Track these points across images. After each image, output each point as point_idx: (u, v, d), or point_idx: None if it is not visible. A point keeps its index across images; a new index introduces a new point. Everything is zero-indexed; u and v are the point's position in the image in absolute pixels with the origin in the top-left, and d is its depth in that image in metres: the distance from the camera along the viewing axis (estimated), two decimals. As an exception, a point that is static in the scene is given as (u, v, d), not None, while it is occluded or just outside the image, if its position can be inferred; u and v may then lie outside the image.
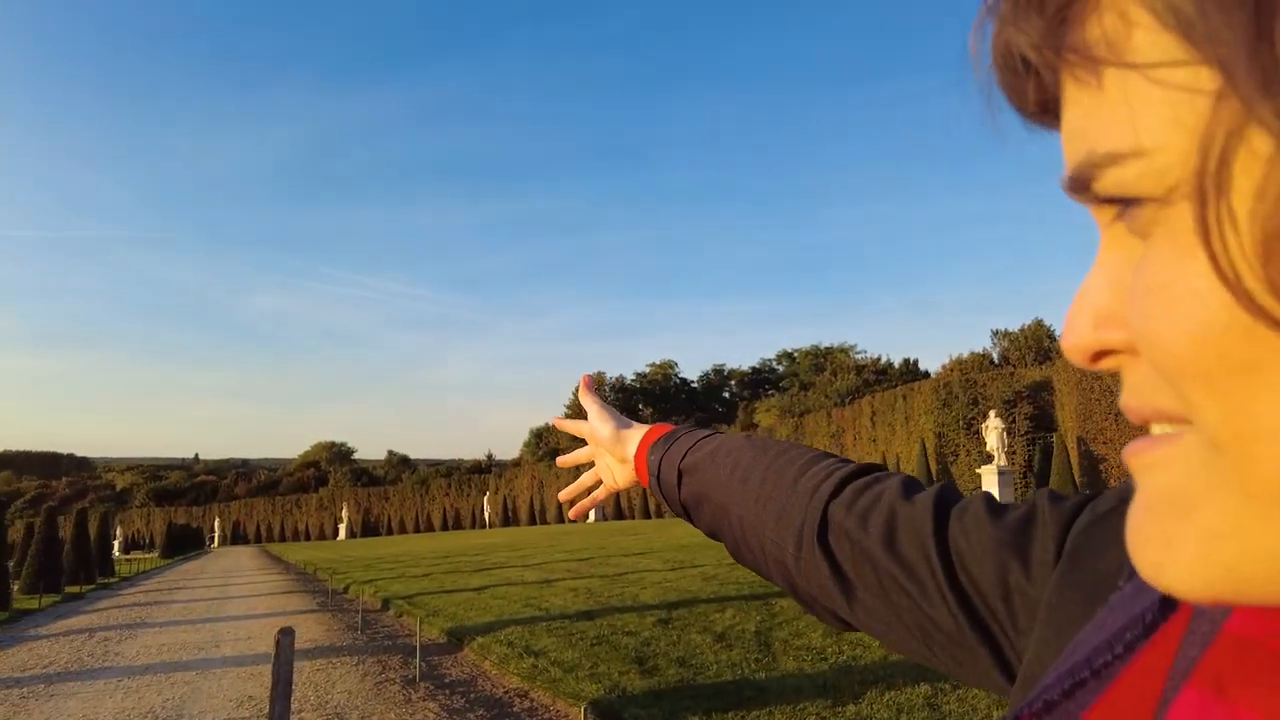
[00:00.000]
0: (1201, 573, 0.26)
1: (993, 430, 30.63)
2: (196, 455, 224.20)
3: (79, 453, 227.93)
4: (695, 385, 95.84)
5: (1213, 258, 0.23)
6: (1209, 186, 0.23)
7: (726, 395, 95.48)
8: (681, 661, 8.18)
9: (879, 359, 68.23)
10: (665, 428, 1.00)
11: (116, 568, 42.59)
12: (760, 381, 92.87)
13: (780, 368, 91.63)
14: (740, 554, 0.83)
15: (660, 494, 0.94)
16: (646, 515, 61.93)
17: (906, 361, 65.28)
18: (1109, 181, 0.26)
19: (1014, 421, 35.94)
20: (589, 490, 1.14)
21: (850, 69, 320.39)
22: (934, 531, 0.61)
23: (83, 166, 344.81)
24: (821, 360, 79.08)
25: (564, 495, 1.19)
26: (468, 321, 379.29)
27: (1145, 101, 0.24)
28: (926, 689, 6.55)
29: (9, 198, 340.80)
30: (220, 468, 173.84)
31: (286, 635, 6.30)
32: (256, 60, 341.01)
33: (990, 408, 34.63)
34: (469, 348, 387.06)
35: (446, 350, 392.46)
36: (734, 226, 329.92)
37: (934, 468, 36.86)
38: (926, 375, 57.45)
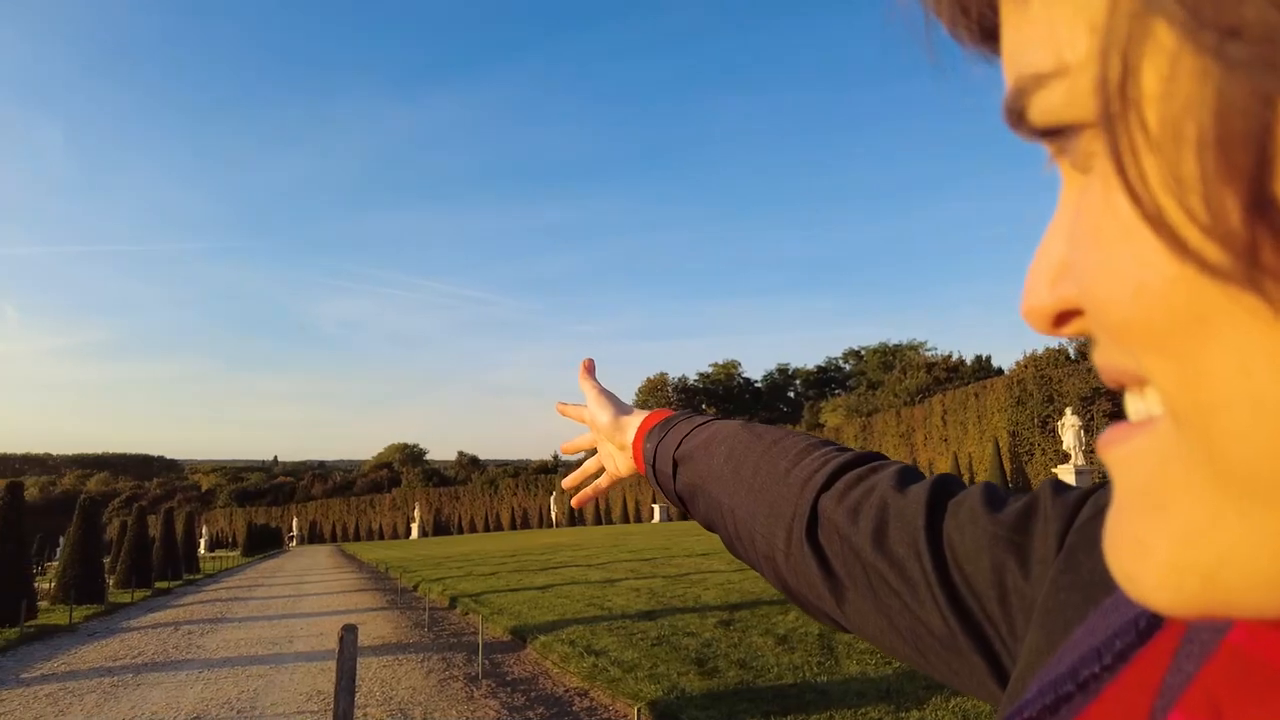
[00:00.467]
0: (1176, 582, 0.22)
1: (1069, 428, 29.56)
2: (275, 458, 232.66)
3: (168, 455, 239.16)
4: (759, 385, 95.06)
5: (1128, 188, 0.19)
6: (1114, 96, 0.19)
7: (791, 395, 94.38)
8: (742, 663, 8.08)
9: (950, 356, 66.48)
10: (664, 413, 0.94)
11: (201, 565, 44.48)
12: (826, 381, 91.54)
13: (847, 366, 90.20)
14: (734, 548, 0.77)
15: (656, 484, 0.89)
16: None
17: (979, 358, 63.37)
18: (1038, 109, 0.23)
19: (1092, 419, 34.55)
20: (593, 478, 1.10)
21: (915, 58, 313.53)
22: (926, 526, 0.55)
23: (166, 183, 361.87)
24: (890, 358, 77.53)
25: (567, 483, 1.14)
26: (531, 323, 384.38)
27: (1061, 6, 0.21)
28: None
29: (102, 216, 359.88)
30: (298, 469, 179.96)
31: (350, 632, 6.45)
32: (321, 73, 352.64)
33: (1066, 405, 33.42)
34: (533, 349, 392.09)
35: (511, 352, 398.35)
36: (797, 223, 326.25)
37: (1008, 467, 35.75)
38: (1000, 372, 55.73)
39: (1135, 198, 0.19)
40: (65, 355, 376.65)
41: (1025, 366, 46.68)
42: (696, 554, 22.50)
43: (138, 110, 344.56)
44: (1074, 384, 36.35)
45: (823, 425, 64.04)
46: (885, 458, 0.72)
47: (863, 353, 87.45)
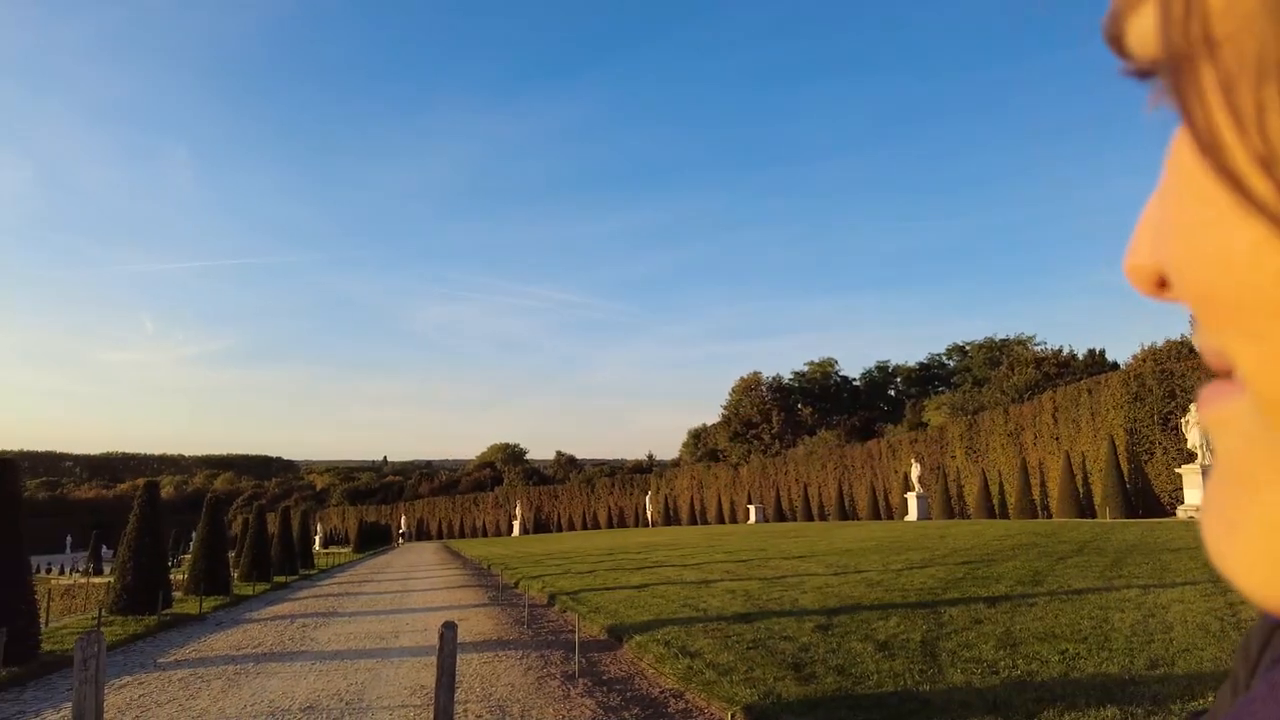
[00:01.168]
0: (1266, 570, 0.20)
1: (1194, 425, 27.59)
2: (385, 458, 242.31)
3: (286, 456, 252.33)
4: (857, 383, 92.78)
5: (1191, 125, 0.17)
6: (1175, 22, 0.16)
7: (892, 393, 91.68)
8: (840, 670, 7.88)
9: (1060, 350, 63.18)
10: None
11: (316, 561, 46.77)
12: (929, 378, 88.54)
13: (951, 362, 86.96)
14: None
15: None
16: (809, 517, 60.58)
17: (1092, 352, 59.99)
18: (1134, 36, 0.20)
19: (1223, 416, 32.11)
20: None
21: (1012, 41, 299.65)
22: None
23: (280, 199, 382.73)
24: (997, 353, 74.37)
25: None
26: (623, 325, 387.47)
27: None
28: (1114, 711, 5.94)
29: (225, 232, 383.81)
30: (406, 469, 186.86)
31: (450, 629, 6.63)
32: (417, 88, 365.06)
33: (1191, 400, 31.22)
34: (626, 351, 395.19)
35: (605, 353, 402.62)
36: (893, 214, 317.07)
37: (1125, 467, 33.71)
38: (1115, 366, 52.63)
39: (1198, 139, 0.16)
40: (195, 362, 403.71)
41: (1143, 360, 43.88)
42: (793, 556, 22.13)
43: (253, 131, 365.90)
44: (1199, 378, 33.91)
45: (925, 424, 62.03)
46: None
47: (967, 348, 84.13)
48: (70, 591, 40.85)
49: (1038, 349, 69.08)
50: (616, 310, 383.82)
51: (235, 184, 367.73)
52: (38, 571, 37.22)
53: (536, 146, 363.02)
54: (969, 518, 42.73)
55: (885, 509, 52.88)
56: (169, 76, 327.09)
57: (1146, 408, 34.74)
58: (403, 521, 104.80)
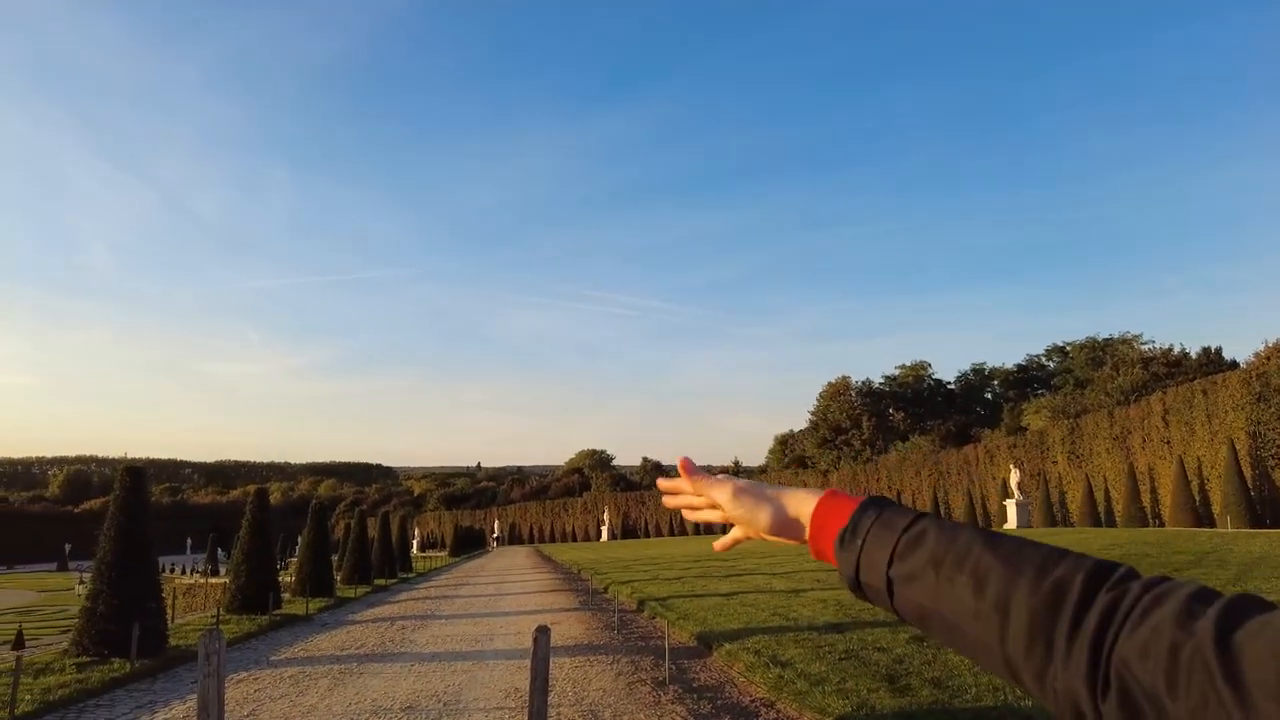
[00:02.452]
0: None
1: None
2: (479, 464, 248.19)
3: (385, 463, 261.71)
4: (952, 386, 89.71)
5: None
6: None
7: (988, 397, 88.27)
8: (936, 682, 7.69)
9: (1170, 349, 59.62)
10: (836, 505, 0.88)
11: (414, 564, 48.32)
12: (1028, 380, 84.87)
13: (1051, 364, 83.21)
14: (966, 654, 0.75)
15: (860, 594, 0.85)
16: (903, 524, 59.03)
17: (1206, 351, 56.34)
18: None
19: (1360, 417, 29.80)
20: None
21: (1112, 27, 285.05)
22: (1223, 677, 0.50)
23: (374, 216, 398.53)
24: (1100, 353, 70.78)
25: (718, 546, 1.15)
26: (708, 329, 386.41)
27: None
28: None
29: (323, 249, 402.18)
30: (498, 474, 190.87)
31: (543, 634, 6.78)
32: (502, 103, 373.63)
33: (1325, 402, 29.01)
34: (710, 355, 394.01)
35: (689, 358, 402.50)
36: (987, 210, 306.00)
37: (1249, 473, 31.57)
38: (1234, 365, 49.32)
39: None
40: (298, 373, 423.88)
41: (1267, 358, 41.01)
42: (886, 564, 21.62)
43: (347, 152, 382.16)
44: (1333, 377, 31.52)
45: (1025, 428, 59.48)
46: (1120, 566, 0.66)
47: (1068, 348, 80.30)
48: (191, 591, 43.47)
49: (1145, 348, 65.48)
50: (700, 314, 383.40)
51: (331, 203, 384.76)
52: (163, 571, 39.76)
53: (616, 154, 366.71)
54: (1073, 526, 40.79)
55: (983, 516, 51.03)
56: (270, 104, 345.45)
57: (1272, 409, 32.48)
58: (496, 526, 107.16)
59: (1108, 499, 40.17)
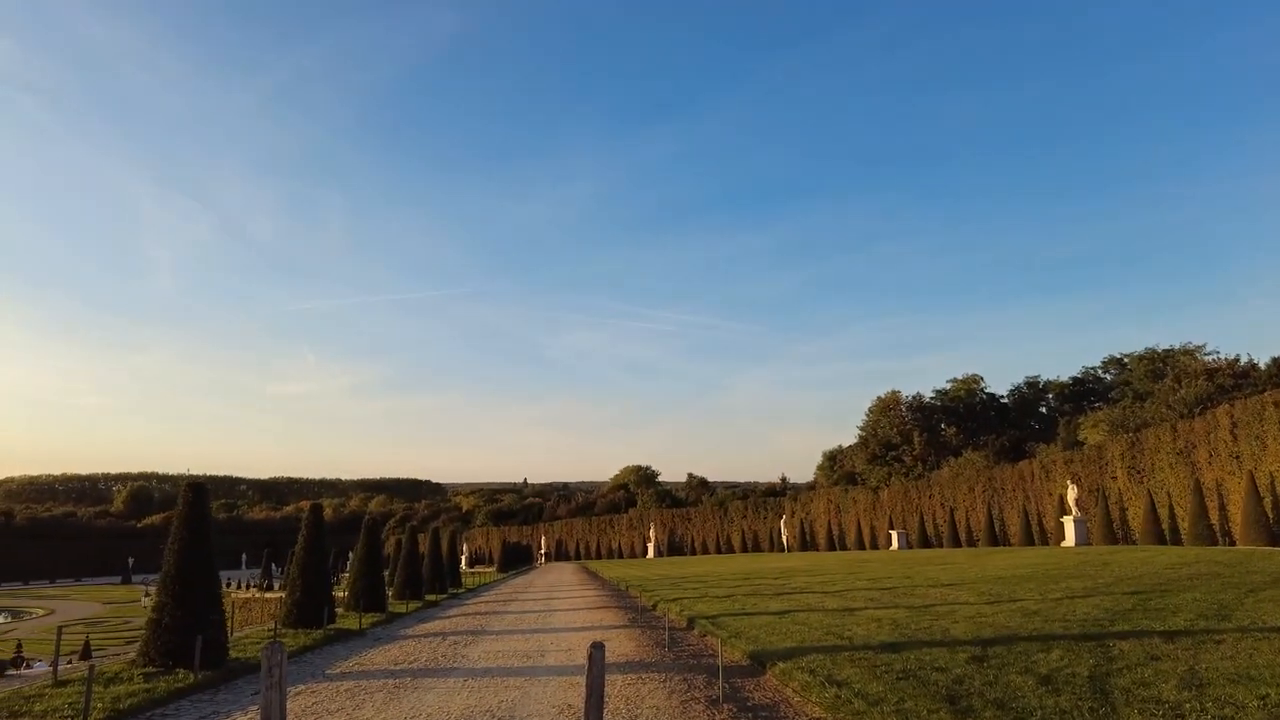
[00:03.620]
0: None
1: None
2: (525, 480, 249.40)
3: (434, 479, 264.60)
4: (1005, 400, 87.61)
5: None
6: None
7: (1043, 410, 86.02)
8: (999, 704, 7.48)
9: (1237, 360, 57.52)
10: None
11: (463, 580, 48.74)
12: (1084, 393, 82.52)
13: (1108, 376, 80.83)
14: None
15: None
16: (956, 543, 57.68)
17: (1277, 361, 54.25)
18: None
19: None
20: None
21: (1171, 29, 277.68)
22: None
23: (425, 236, 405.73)
24: (1160, 365, 68.58)
25: None
26: (753, 346, 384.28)
27: None
28: (1324, 763, 5.35)
29: (377, 269, 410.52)
30: (545, 491, 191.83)
31: (598, 650, 6.77)
32: (548, 123, 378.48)
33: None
34: (756, 372, 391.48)
35: (735, 374, 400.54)
36: (1039, 220, 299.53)
37: (1326, 490, 30.21)
38: (1308, 377, 47.37)
39: None
40: (351, 392, 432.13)
41: (1343, 369, 39.30)
42: (941, 584, 21.18)
43: (398, 174, 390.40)
44: None
45: (1082, 442, 57.79)
46: None
47: (1126, 360, 77.91)
48: (247, 605, 44.40)
49: (1208, 359, 63.23)
50: (746, 331, 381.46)
51: (384, 225, 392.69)
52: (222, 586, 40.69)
53: (664, 170, 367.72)
54: (1134, 543, 39.43)
55: (1039, 534, 49.66)
56: (323, 129, 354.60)
57: (1346, 422, 31.08)
58: (543, 542, 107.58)
59: (1172, 516, 38.79)
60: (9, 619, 50.31)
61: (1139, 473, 41.86)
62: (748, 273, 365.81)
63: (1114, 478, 43.79)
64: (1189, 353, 68.10)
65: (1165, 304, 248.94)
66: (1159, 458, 40.38)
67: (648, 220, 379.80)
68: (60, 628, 15.72)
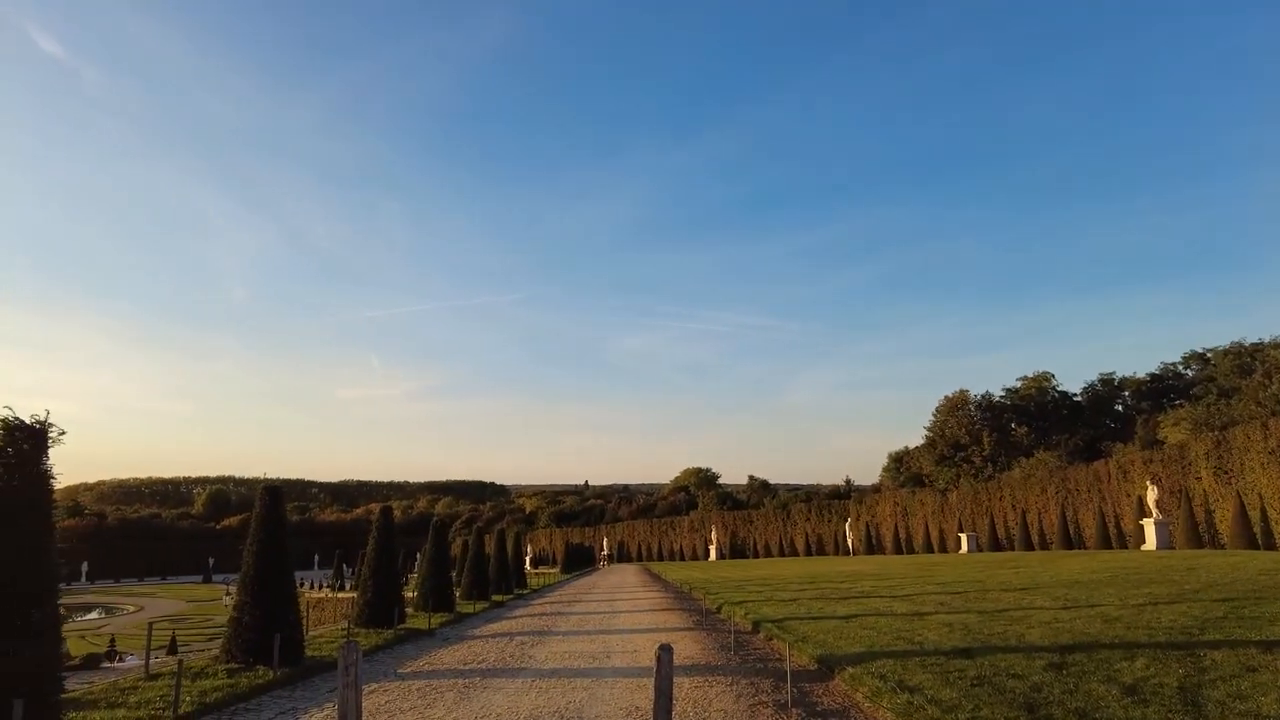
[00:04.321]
0: None
1: None
2: (586, 482, 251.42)
3: (497, 481, 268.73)
4: (1078, 398, 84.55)
5: None
6: None
7: (1119, 408, 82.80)
8: (1081, 713, 7.22)
9: (1333, 354, 54.56)
10: None
11: (528, 580, 49.30)
12: (1163, 390, 79.12)
13: (1190, 372, 77.37)
14: None
15: None
16: (1028, 546, 55.95)
17: (1377, 355, 51.20)
18: None
19: None
20: None
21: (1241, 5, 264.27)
22: None
23: (483, 243, 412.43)
24: (1248, 360, 65.36)
25: None
26: (816, 345, 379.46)
27: None
28: None
29: (437, 277, 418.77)
30: (606, 493, 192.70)
31: (666, 652, 6.77)
32: (601, 128, 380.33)
33: None
34: (818, 371, 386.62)
35: (795, 375, 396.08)
36: (1112, 210, 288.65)
37: None
38: None
39: None
40: (417, 396, 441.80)
41: None
42: (1014, 588, 20.58)
43: (456, 182, 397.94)
44: None
45: (1162, 441, 55.43)
46: None
47: (1209, 355, 74.53)
48: (319, 605, 45.70)
49: (1302, 353, 60.02)
50: (806, 330, 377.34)
51: (443, 232, 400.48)
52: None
53: (719, 170, 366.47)
54: (1222, 547, 37.63)
55: (1117, 537, 47.80)
56: (380, 140, 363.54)
57: None
58: (605, 544, 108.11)
59: (1264, 518, 36.91)
60: (103, 615, 52.80)
61: (1226, 473, 39.96)
62: (807, 271, 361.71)
63: (1198, 478, 41.90)
64: (1279, 346, 64.78)
65: (1252, 295, 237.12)
66: (1249, 457, 38.48)
67: (703, 220, 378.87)
68: (150, 624, 16.44)
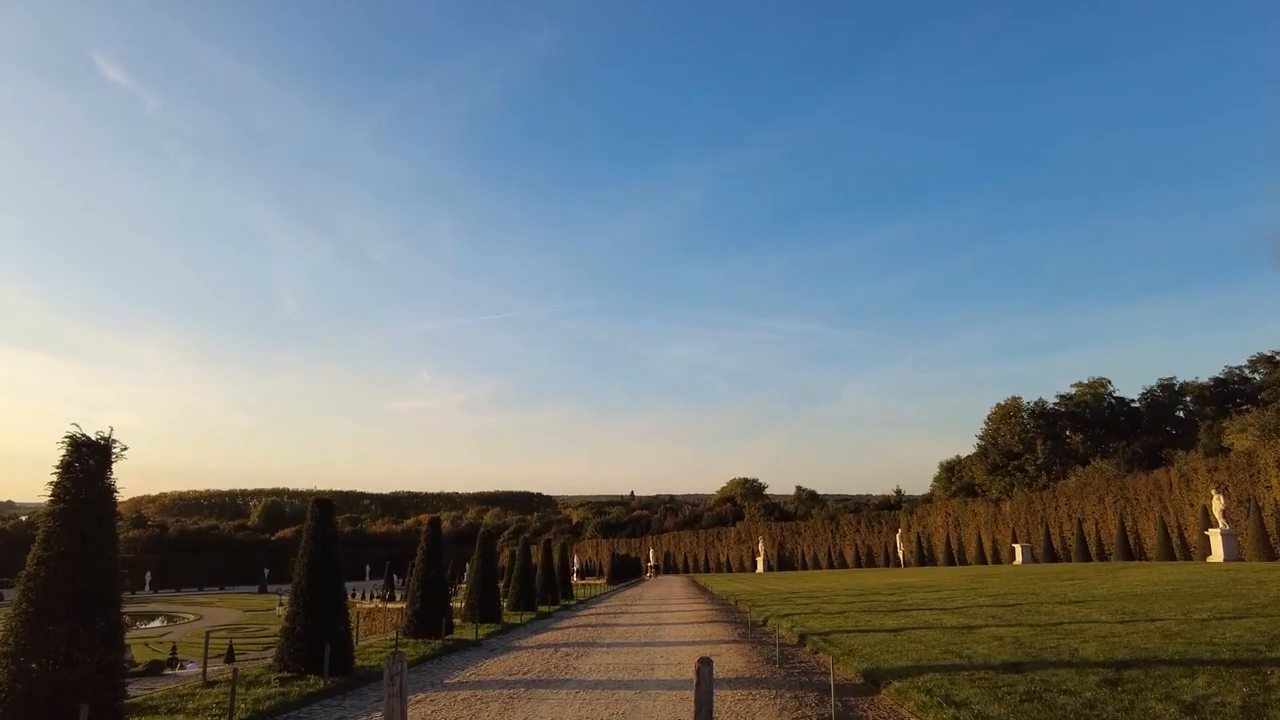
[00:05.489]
0: None
1: None
2: (632, 492, 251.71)
3: (545, 491, 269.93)
4: (1136, 405, 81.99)
5: None
6: None
7: (1180, 415, 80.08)
8: (1135, 732, 7.03)
9: None
10: None
11: (574, 591, 49.47)
12: (1229, 395, 76.28)
13: (1257, 376, 74.49)
14: None
15: None
16: (1085, 557, 54.36)
17: None
18: None
19: None
20: None
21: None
22: None
23: (531, 256, 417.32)
24: (1318, 363, 62.91)
25: None
26: (864, 352, 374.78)
27: None
28: None
29: (486, 290, 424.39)
30: (652, 503, 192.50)
31: (706, 665, 6.78)
32: (644, 138, 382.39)
33: None
34: (867, 379, 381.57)
35: (844, 383, 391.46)
36: (1173, 207, 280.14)
37: None
38: None
39: None
40: (465, 408, 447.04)
41: None
42: (1069, 601, 20.05)
43: (503, 196, 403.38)
44: None
45: (1228, 448, 53.48)
46: None
47: (1277, 358, 71.96)
48: (370, 615, 46.45)
49: (1377, 356, 57.45)
50: (856, 337, 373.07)
51: (492, 245, 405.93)
52: (348, 596, 42.72)
53: (765, 177, 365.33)
54: (1295, 560, 36.14)
55: (1180, 548, 46.22)
56: (431, 155, 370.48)
57: None
58: (651, 555, 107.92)
59: (1336, 529, 35.39)
60: (165, 623, 54.40)
61: (1295, 482, 38.44)
62: (857, 277, 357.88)
63: (1268, 487, 40.35)
64: (1351, 349, 62.04)
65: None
66: (1318, 465, 36.99)
67: (749, 228, 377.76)
68: (208, 633, 16.92)
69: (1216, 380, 78.66)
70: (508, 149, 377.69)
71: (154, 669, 26.64)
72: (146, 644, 37.13)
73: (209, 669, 14.60)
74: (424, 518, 26.84)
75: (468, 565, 30.95)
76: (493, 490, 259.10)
